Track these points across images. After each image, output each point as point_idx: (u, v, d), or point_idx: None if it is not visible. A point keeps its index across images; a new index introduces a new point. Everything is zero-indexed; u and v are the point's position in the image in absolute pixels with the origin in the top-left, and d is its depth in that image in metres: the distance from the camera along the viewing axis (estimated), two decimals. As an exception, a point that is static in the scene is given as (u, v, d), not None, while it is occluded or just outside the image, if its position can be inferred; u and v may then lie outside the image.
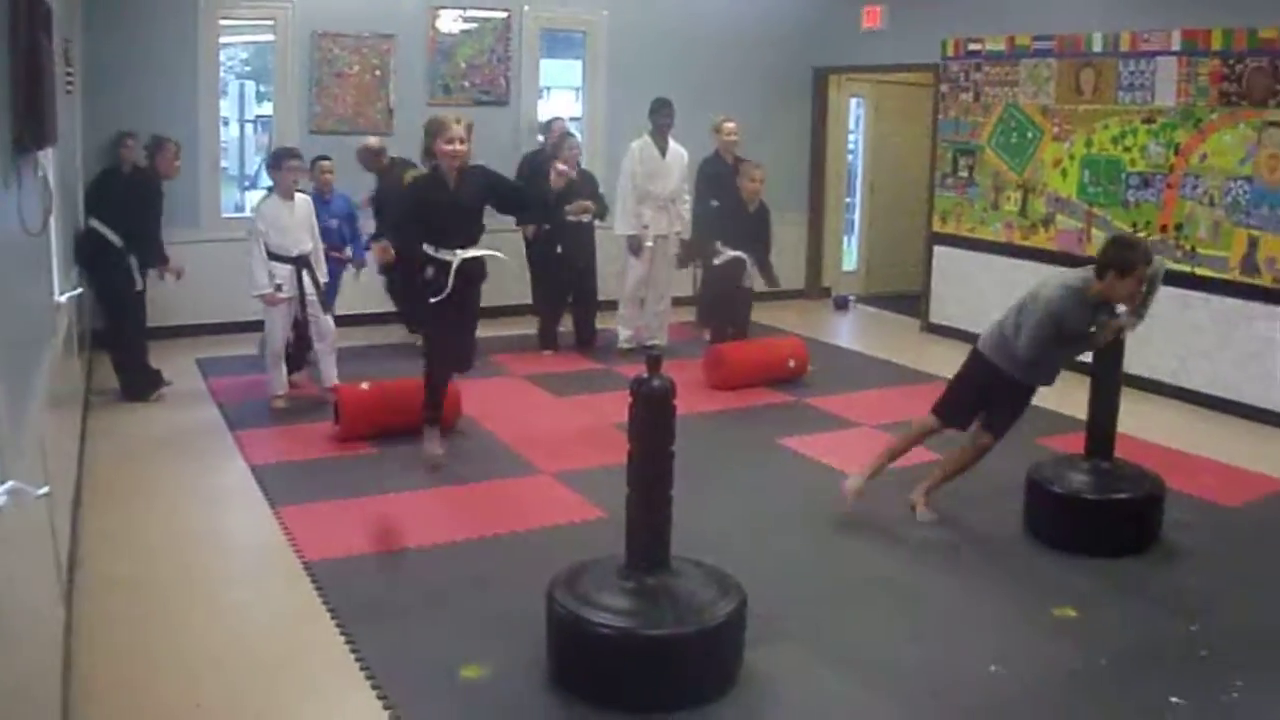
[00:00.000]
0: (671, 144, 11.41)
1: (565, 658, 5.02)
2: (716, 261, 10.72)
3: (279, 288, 8.87)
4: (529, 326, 11.93)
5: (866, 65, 14.09)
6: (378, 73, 12.13)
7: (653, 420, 4.91)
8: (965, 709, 4.98)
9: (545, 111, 13.84)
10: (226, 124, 13.86)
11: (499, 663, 5.18)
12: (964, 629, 5.71)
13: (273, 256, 8.86)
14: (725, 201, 10.98)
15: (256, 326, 10.70)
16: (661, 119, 11.30)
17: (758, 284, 11.05)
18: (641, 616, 4.85)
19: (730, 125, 11.68)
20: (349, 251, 10.29)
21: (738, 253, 10.66)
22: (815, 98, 14.73)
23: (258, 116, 19.40)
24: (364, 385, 8.63)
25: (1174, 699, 5.03)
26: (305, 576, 6.09)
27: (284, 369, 9.13)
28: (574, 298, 11.69)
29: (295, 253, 8.92)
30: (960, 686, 5.16)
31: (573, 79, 14.21)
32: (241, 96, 19.50)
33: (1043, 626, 5.71)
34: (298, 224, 8.97)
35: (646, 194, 11.12)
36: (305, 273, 8.96)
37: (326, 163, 10.32)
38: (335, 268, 9.95)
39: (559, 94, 19.81)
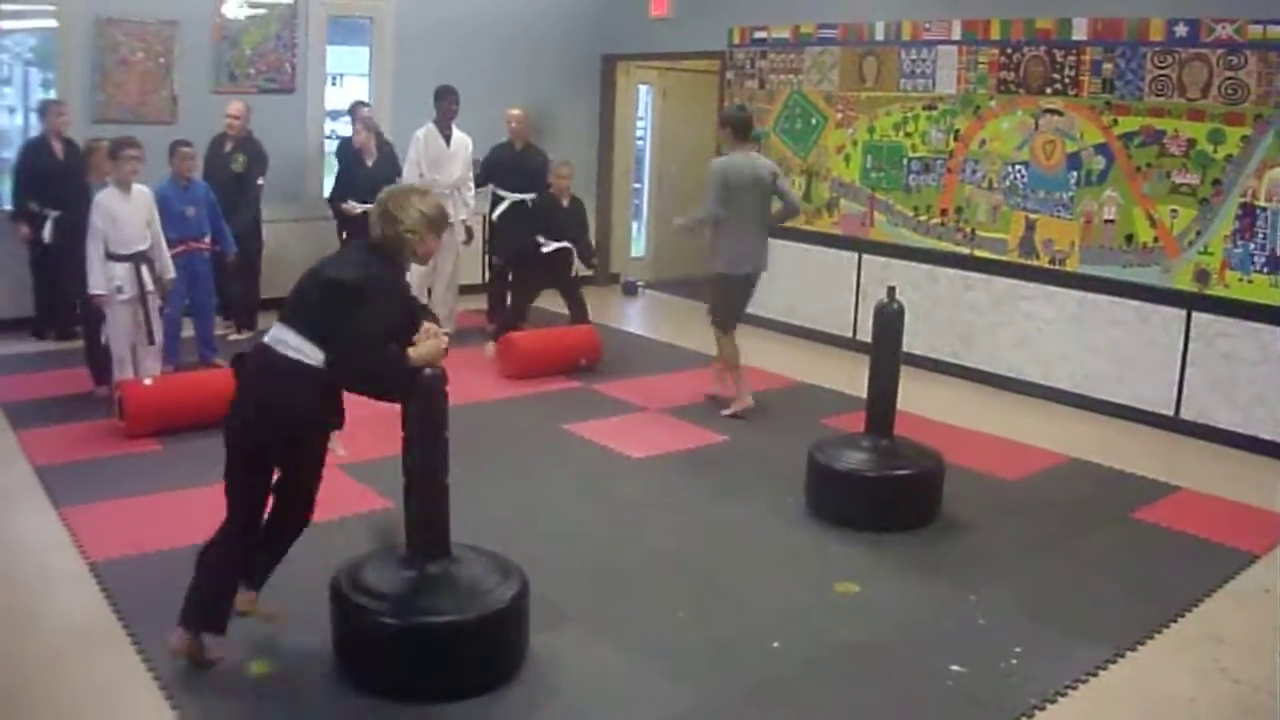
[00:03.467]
0: (456, 132, 11.30)
1: (351, 650, 4.92)
2: (544, 251, 10.68)
3: (119, 289, 8.42)
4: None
5: (654, 53, 14.09)
6: (162, 60, 11.75)
7: (425, 409, 4.85)
8: (748, 685, 4.96)
9: (334, 99, 13.56)
10: (12, 112, 13.30)
11: (287, 657, 5.08)
12: (747, 606, 5.70)
13: (111, 256, 8.39)
14: (539, 198, 11.10)
15: (21, 325, 10.36)
16: (445, 106, 11.19)
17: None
18: (423, 605, 4.78)
19: (515, 113, 11.67)
20: (208, 240, 9.78)
21: (562, 243, 10.63)
22: (604, 85, 14.67)
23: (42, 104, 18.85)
24: (148, 381, 8.33)
25: (955, 667, 5.10)
26: (90, 577, 5.88)
27: (146, 366, 8.63)
28: None
29: (133, 250, 8.46)
30: (743, 664, 5.15)
31: (362, 65, 13.94)
32: (26, 84, 18.88)
33: (825, 602, 5.74)
34: (136, 218, 8.51)
35: (432, 182, 10.72)
36: (145, 270, 8.52)
37: (187, 148, 9.77)
38: (198, 262, 9.58)
39: (352, 81, 19.52)
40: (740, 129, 8.90)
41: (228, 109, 11.11)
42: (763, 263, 9.07)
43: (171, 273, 8.84)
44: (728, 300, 9.07)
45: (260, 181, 11.15)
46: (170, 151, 9.63)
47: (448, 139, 11.23)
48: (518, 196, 11.46)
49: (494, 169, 11.66)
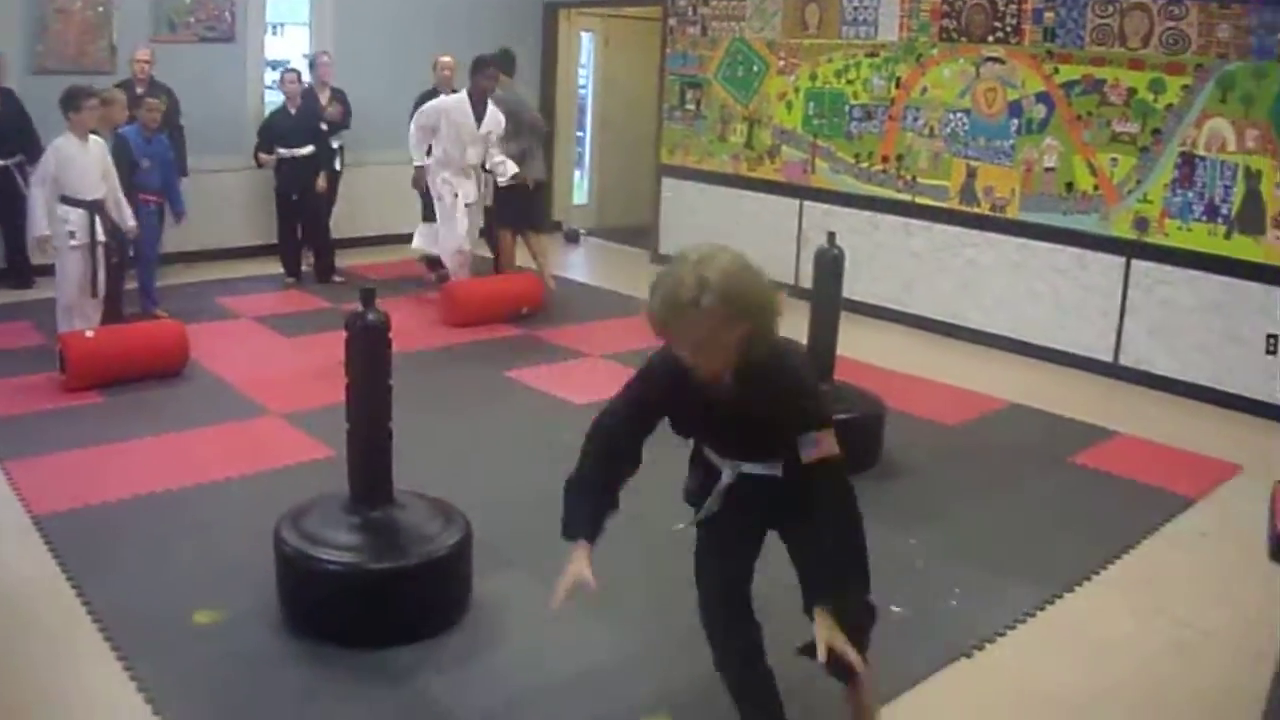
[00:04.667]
0: (491, 107, 10.48)
1: (295, 597, 4.91)
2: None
3: (72, 234, 8.36)
4: (258, 268, 11.67)
5: (596, 0, 13.98)
6: (100, 9, 11.57)
7: (367, 355, 4.83)
8: (693, 628, 4.95)
9: (275, 49, 13.38)
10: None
11: (232, 606, 5.06)
12: (685, 548, 5.68)
13: (66, 200, 8.35)
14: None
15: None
16: (481, 81, 10.40)
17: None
18: (367, 551, 4.79)
19: (446, 60, 11.66)
20: (156, 196, 9.72)
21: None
22: (545, 32, 14.59)
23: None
24: (88, 333, 8.25)
25: (894, 609, 5.13)
26: (35, 531, 5.83)
27: (81, 316, 8.51)
28: (306, 232, 11.53)
29: (88, 197, 8.40)
30: (686, 606, 5.11)
31: (303, 14, 13.78)
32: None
33: (766, 544, 5.69)
34: (92, 167, 8.44)
35: (451, 160, 10.36)
36: (99, 218, 8.45)
37: (154, 100, 9.74)
38: (145, 213, 9.46)
39: (292, 30, 19.29)
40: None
41: (137, 54, 10.98)
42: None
43: (132, 222, 8.84)
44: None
45: (183, 123, 11.09)
46: (133, 103, 9.66)
47: (480, 116, 10.39)
48: None
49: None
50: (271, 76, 12.56)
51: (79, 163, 8.34)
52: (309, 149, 11.31)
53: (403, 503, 5.05)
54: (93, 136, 8.48)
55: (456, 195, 10.39)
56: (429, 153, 10.49)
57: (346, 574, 4.71)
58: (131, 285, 9.68)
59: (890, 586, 5.31)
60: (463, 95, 10.41)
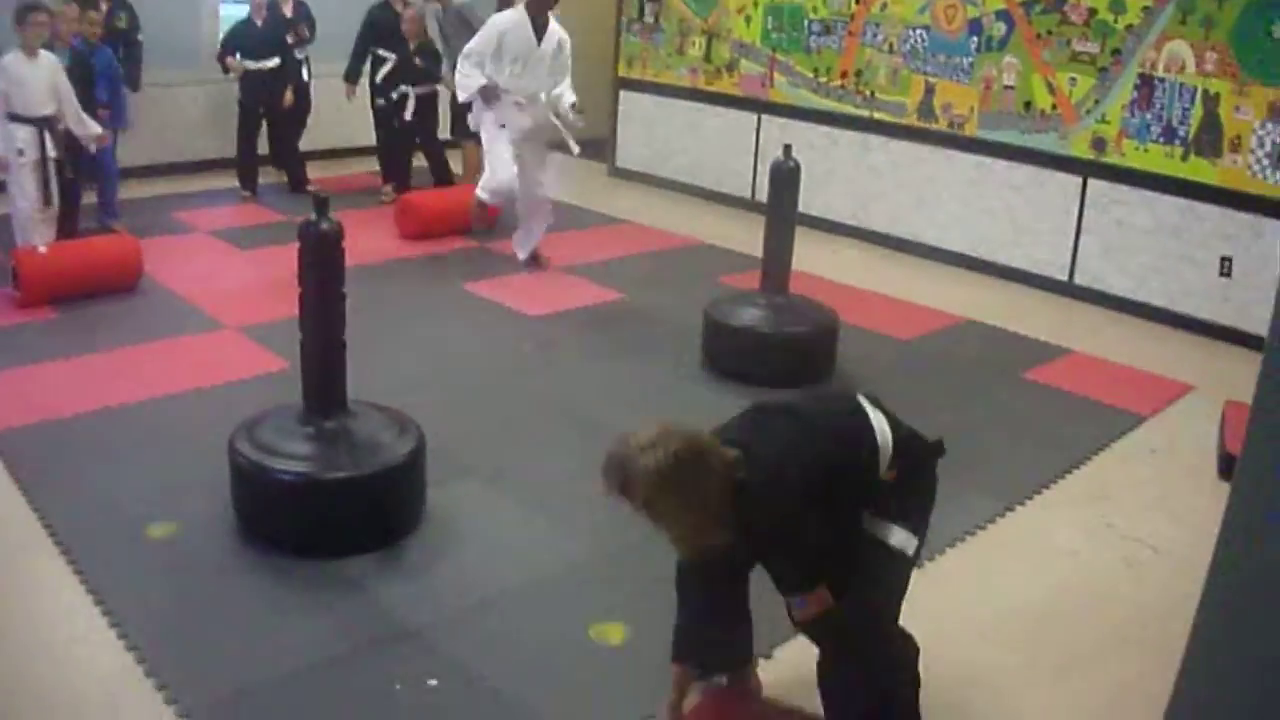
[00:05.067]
0: (552, 23, 9.12)
1: (250, 508, 4.92)
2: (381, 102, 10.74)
3: (20, 151, 8.23)
4: (214, 182, 11.58)
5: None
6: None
7: (321, 263, 4.81)
8: (642, 535, 4.96)
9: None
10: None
11: (187, 519, 5.07)
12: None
13: (14, 118, 8.22)
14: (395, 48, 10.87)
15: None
16: None
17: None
18: (321, 461, 4.79)
19: None
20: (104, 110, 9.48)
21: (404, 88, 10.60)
22: (501, -58, 14.39)
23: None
24: (41, 248, 8.15)
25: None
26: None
27: (41, 232, 8.36)
28: (272, 147, 11.56)
29: (37, 114, 8.27)
30: (638, 518, 5.16)
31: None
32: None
33: (719, 454, 5.74)
34: (40, 83, 8.29)
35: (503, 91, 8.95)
36: (49, 135, 8.31)
37: (94, 14, 9.57)
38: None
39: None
40: None
41: None
42: None
43: (97, 129, 8.70)
44: None
45: (140, 38, 10.86)
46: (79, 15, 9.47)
47: (540, 34, 9.00)
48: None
49: (375, 30, 11.23)
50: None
51: (28, 81, 8.19)
52: (275, 61, 11.12)
53: (356, 412, 5.05)
54: (43, 52, 8.33)
55: (503, 126, 8.99)
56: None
57: (300, 484, 4.72)
58: (91, 199, 9.58)
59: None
60: (520, 11, 9.03)
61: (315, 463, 4.78)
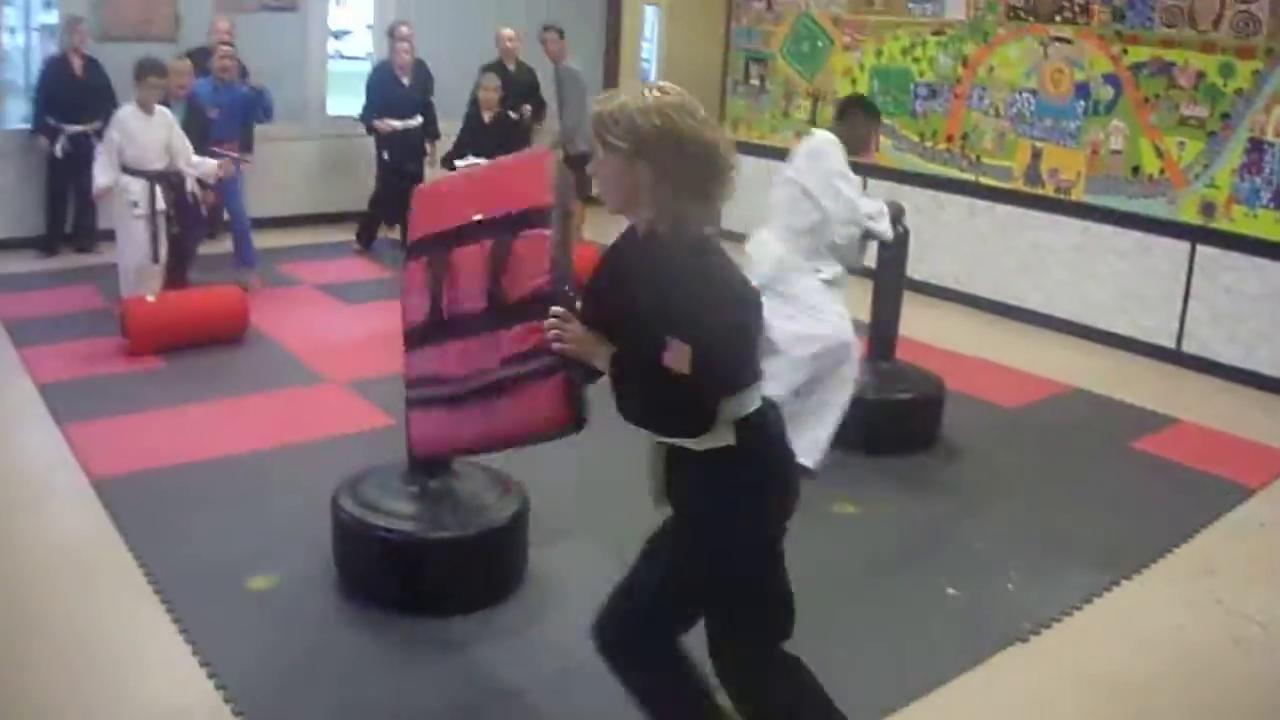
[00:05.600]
0: None
1: (352, 564, 4.95)
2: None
3: (134, 204, 8.46)
4: (318, 236, 11.78)
5: (661, -27, 13.97)
6: (165, -23, 11.66)
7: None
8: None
9: (338, 19, 13.47)
10: (12, 32, 13.16)
11: (287, 572, 5.09)
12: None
13: (127, 171, 8.46)
14: (470, 110, 10.90)
15: (41, 243, 10.34)
16: None
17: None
18: (425, 520, 4.80)
19: (508, 32, 11.63)
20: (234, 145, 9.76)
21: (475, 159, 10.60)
22: (610, 5, 14.54)
23: (43, 24, 18.59)
24: (150, 298, 8.33)
25: (950, 590, 5.13)
26: (93, 494, 5.88)
27: (148, 284, 8.55)
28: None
29: (150, 168, 8.51)
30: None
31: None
32: (27, 4, 18.67)
33: (823, 521, 5.73)
34: (154, 138, 8.54)
35: None
36: (160, 189, 8.52)
37: (226, 48, 9.85)
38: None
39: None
40: None
41: (216, 24, 11.04)
42: None
43: (212, 163, 8.91)
44: None
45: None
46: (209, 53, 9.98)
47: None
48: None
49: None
50: (334, 46, 12.61)
51: (141, 135, 8.45)
52: (418, 120, 11.33)
53: (461, 472, 5.05)
54: (160, 109, 8.58)
55: None
56: None
57: (403, 542, 4.73)
58: (224, 249, 9.86)
59: (947, 567, 5.35)
60: None
61: (419, 522, 4.78)
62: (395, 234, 11.51)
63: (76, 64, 10.60)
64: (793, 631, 3.54)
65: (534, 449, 6.25)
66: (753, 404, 3.20)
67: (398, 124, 11.15)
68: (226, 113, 9.70)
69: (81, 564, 5.23)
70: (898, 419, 6.70)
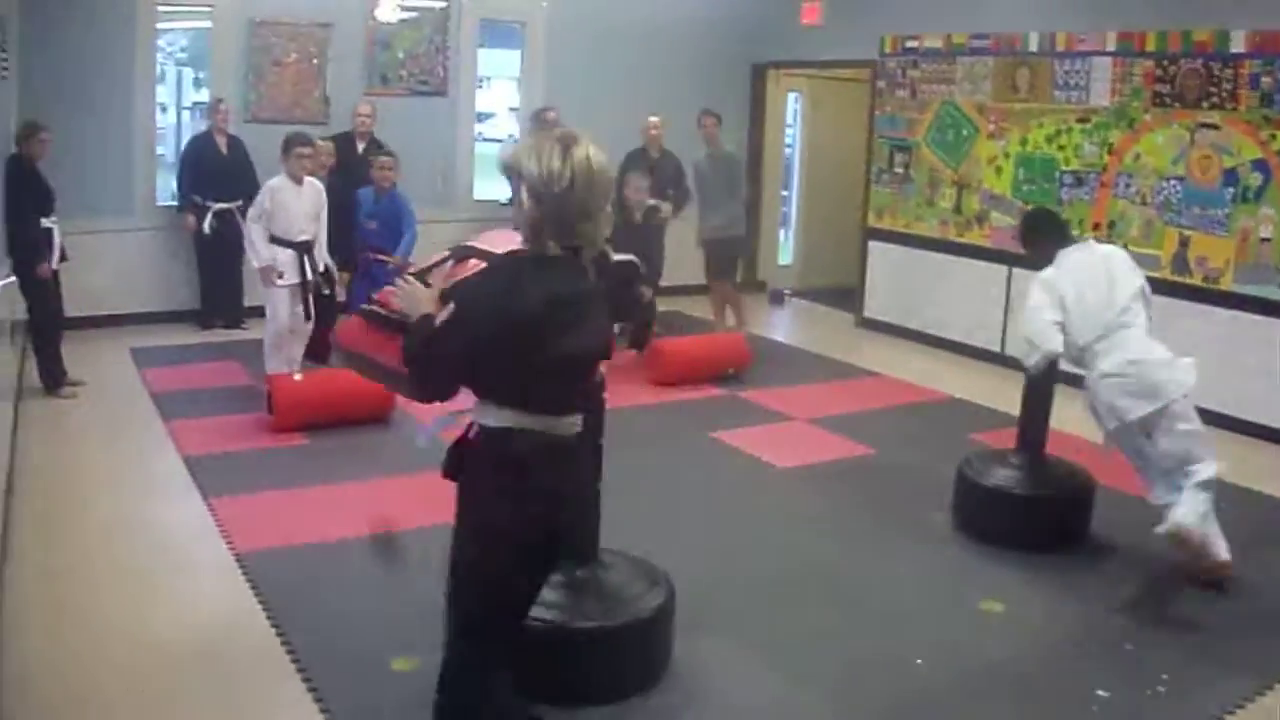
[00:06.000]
0: None
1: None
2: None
3: (281, 274, 8.80)
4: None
5: (805, 60, 14.08)
6: (315, 62, 12.02)
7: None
8: (891, 702, 4.98)
9: (485, 102, 13.75)
10: (164, 110, 13.63)
11: (430, 655, 5.07)
12: (890, 622, 5.71)
13: (275, 240, 8.79)
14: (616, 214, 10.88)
15: (189, 316, 10.66)
16: None
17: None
18: (570, 610, 4.82)
19: (653, 120, 11.81)
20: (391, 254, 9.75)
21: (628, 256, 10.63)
22: (753, 92, 14.70)
23: (195, 103, 19.15)
24: (297, 376, 8.55)
25: (1100, 692, 5.06)
26: (236, 568, 6.04)
27: (285, 354, 8.93)
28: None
29: (298, 239, 8.82)
30: (884, 680, 5.16)
31: (508, 69, 14.07)
32: (179, 83, 19.24)
33: (969, 620, 5.72)
34: (303, 209, 8.86)
35: None
36: (307, 259, 8.85)
37: (386, 159, 10.04)
38: (378, 270, 9.42)
39: (497, 83, 19.60)
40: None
41: (359, 109, 11.39)
42: None
43: (329, 260, 9.17)
44: None
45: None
46: (350, 156, 10.40)
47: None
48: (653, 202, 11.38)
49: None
50: (479, 129, 12.89)
51: (291, 205, 8.77)
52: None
53: (608, 562, 5.10)
54: (309, 180, 8.87)
55: None
56: None
57: (548, 631, 4.74)
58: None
59: (1096, 668, 5.28)
60: None
61: (562, 611, 4.80)
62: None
63: (221, 142, 10.95)
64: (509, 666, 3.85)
65: (684, 540, 6.32)
66: (510, 423, 3.61)
67: None
68: (383, 223, 9.87)
69: (224, 638, 5.34)
70: (1047, 515, 6.64)
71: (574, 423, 3.73)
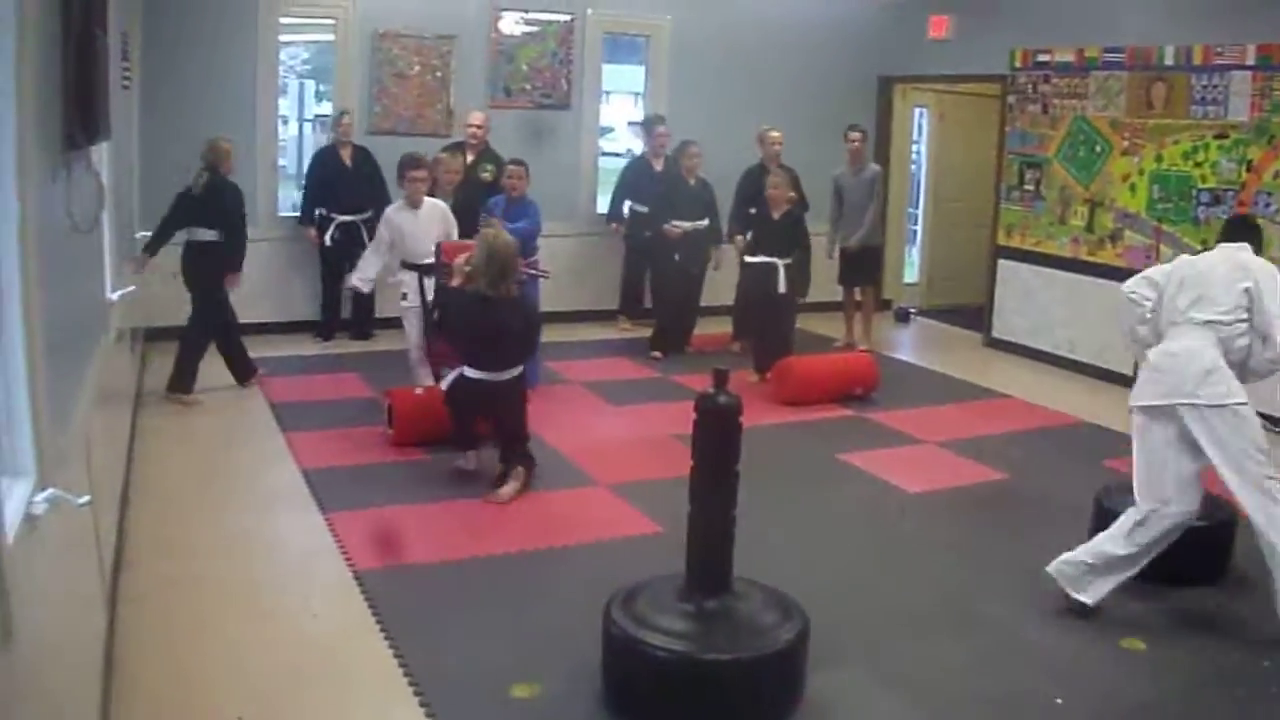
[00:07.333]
0: None
1: (620, 680, 4.89)
2: (747, 261, 10.85)
3: (404, 296, 8.95)
4: (588, 333, 12.04)
5: (932, 75, 13.92)
6: (438, 74, 12.05)
7: (719, 438, 4.79)
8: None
9: (606, 116, 13.75)
10: (285, 123, 13.74)
11: (551, 682, 5.06)
12: (1028, 657, 5.54)
13: (402, 265, 8.94)
14: (758, 209, 10.95)
15: (308, 328, 10.77)
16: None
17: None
18: (700, 640, 4.72)
19: (775, 134, 11.80)
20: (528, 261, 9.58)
21: (767, 258, 10.61)
22: (880, 107, 14.49)
23: (317, 116, 19.34)
24: (418, 390, 8.52)
25: (1246, 737, 4.87)
26: (355, 585, 5.99)
27: (427, 369, 8.95)
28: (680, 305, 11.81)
29: (421, 261, 8.86)
30: (1025, 718, 5.00)
31: (628, 83, 14.04)
32: (301, 95, 19.46)
33: (1111, 658, 5.53)
34: (422, 232, 8.89)
35: None
36: (426, 280, 8.85)
37: (516, 167, 10.08)
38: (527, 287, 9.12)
39: (617, 99, 19.61)
40: None
41: (470, 119, 11.39)
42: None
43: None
44: None
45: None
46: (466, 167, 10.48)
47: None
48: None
49: (750, 190, 11.61)
50: (600, 143, 12.93)
51: (409, 229, 8.84)
52: (705, 221, 11.52)
53: (740, 592, 4.97)
54: (429, 200, 8.90)
55: None
56: None
57: (676, 662, 4.64)
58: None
59: (1243, 712, 5.10)
60: None
61: (693, 642, 4.70)
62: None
63: (345, 155, 11.00)
64: None
65: (815, 567, 6.20)
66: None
67: (687, 225, 11.32)
68: (516, 230, 9.77)
69: (339, 656, 5.31)
70: (1188, 548, 6.38)
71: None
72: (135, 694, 4.82)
